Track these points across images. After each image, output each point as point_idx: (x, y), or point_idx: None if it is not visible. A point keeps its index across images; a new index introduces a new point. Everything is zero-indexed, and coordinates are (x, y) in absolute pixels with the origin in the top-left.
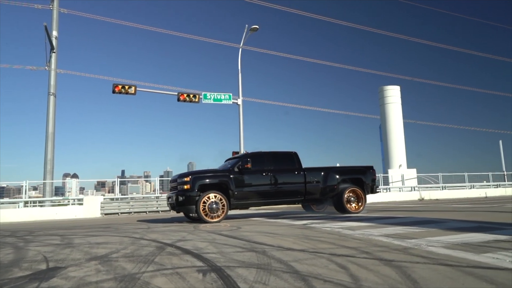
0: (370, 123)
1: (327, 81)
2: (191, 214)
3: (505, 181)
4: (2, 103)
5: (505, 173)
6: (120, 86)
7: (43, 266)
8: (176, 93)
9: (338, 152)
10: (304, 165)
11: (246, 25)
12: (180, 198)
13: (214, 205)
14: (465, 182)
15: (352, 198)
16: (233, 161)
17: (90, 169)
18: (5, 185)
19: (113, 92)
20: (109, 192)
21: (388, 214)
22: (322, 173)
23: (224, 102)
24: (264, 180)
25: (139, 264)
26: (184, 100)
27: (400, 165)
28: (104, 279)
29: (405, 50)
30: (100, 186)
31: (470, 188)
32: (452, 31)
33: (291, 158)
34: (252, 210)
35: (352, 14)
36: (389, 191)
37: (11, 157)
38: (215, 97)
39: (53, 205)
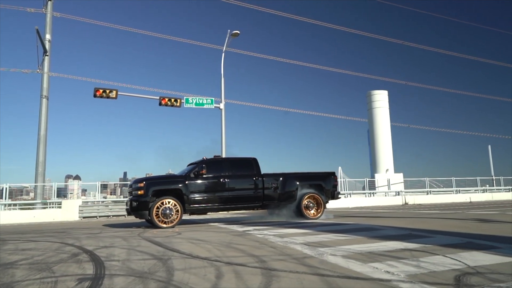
0: (359, 127)
1: (314, 84)
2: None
3: (493, 186)
4: None
5: (493, 178)
6: (101, 90)
7: None
8: (158, 97)
9: (326, 155)
10: (287, 170)
11: (228, 30)
12: (134, 204)
13: (168, 211)
14: (452, 187)
15: (311, 204)
16: (191, 167)
17: (93, 171)
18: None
19: (95, 96)
20: (111, 194)
21: (345, 220)
22: (281, 179)
23: (206, 106)
24: (219, 186)
25: (33, 272)
26: (166, 104)
27: (387, 170)
28: None
29: (394, 53)
30: (103, 188)
31: (456, 193)
32: (440, 33)
33: (249, 164)
34: (214, 215)
35: (340, 16)
36: (374, 195)
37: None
38: (197, 102)
39: (30, 208)
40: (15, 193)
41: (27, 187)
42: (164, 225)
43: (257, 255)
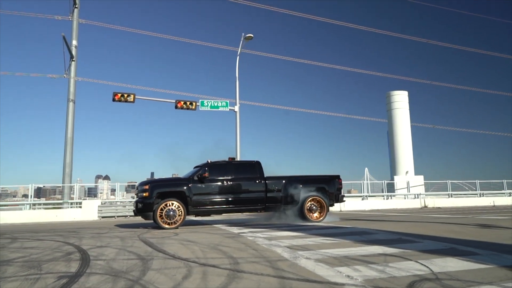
0: (379, 128)
1: (332, 84)
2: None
3: None
4: (26, 109)
5: None
6: (119, 95)
7: None
8: (174, 101)
9: (345, 157)
10: (305, 172)
11: (242, 34)
12: (139, 205)
13: (171, 212)
14: (476, 190)
15: (314, 207)
16: (195, 170)
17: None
18: (42, 186)
19: (113, 100)
20: None
21: (348, 223)
22: (284, 182)
23: (221, 109)
24: (222, 188)
25: (24, 269)
26: (182, 108)
27: (407, 172)
28: None
29: (414, 51)
30: (131, 188)
31: (480, 196)
32: (464, 30)
33: (253, 167)
34: (221, 217)
35: (356, 15)
36: (391, 198)
37: (51, 159)
38: (212, 104)
39: (54, 208)
40: (48, 193)
41: (60, 187)
42: (168, 226)
43: (235, 257)
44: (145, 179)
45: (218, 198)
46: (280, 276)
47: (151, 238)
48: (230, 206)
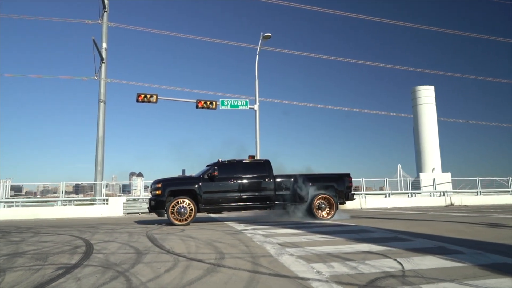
0: (404, 124)
1: (354, 80)
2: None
3: None
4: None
5: None
6: (142, 96)
7: None
8: (195, 101)
9: (369, 154)
10: (326, 170)
11: (261, 33)
12: (153, 203)
13: (182, 209)
14: (509, 187)
15: (323, 205)
16: (206, 168)
17: (157, 168)
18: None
19: (137, 101)
20: None
21: (356, 221)
22: (292, 180)
23: (241, 108)
24: (231, 187)
25: (31, 260)
26: (202, 107)
27: (433, 169)
28: None
29: (439, 43)
30: None
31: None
32: (493, 20)
33: (262, 166)
34: (233, 214)
35: (380, 10)
36: (415, 195)
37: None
38: (232, 103)
39: (83, 204)
40: (85, 189)
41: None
42: (179, 223)
43: (224, 253)
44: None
45: (227, 196)
46: (254, 271)
47: (157, 234)
48: (239, 204)
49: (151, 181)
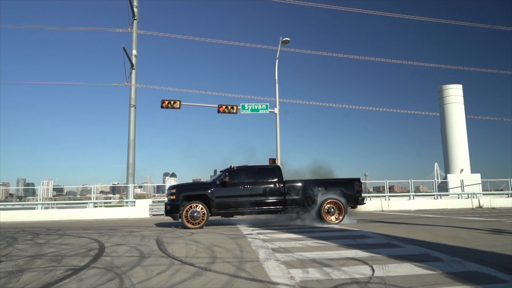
0: (431, 124)
1: (377, 79)
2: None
3: None
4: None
5: None
6: (166, 102)
7: None
8: (216, 105)
9: (394, 155)
10: (349, 172)
11: (280, 38)
12: (168, 207)
13: (195, 214)
14: None
15: (332, 209)
16: (218, 174)
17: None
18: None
19: (161, 107)
20: None
21: (362, 226)
22: (302, 185)
23: (261, 111)
24: (241, 191)
25: (48, 262)
26: (224, 112)
27: (461, 170)
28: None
29: (467, 38)
30: None
31: None
32: None
33: (272, 172)
34: (244, 217)
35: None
36: (440, 197)
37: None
38: (253, 108)
39: (112, 206)
40: (122, 190)
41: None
42: (192, 226)
43: (217, 257)
44: (209, 176)
45: (238, 201)
46: (235, 275)
47: (166, 238)
48: (250, 208)
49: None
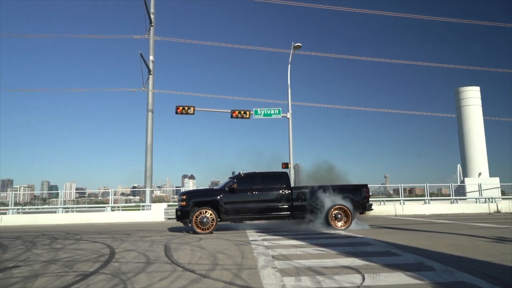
0: (447, 126)
1: (392, 80)
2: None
3: None
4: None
5: None
6: (181, 108)
7: None
8: (230, 111)
9: (410, 158)
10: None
11: (292, 43)
12: (179, 213)
13: (205, 219)
14: None
15: (339, 215)
16: (227, 181)
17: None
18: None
19: (176, 113)
20: None
21: (368, 233)
22: (309, 192)
23: (274, 116)
24: (249, 198)
25: (61, 267)
26: (237, 117)
27: (479, 173)
28: (17, 273)
29: (482, 39)
30: (214, 185)
31: None
32: None
33: (280, 178)
34: (254, 223)
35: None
36: (457, 202)
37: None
38: (265, 112)
39: (129, 210)
40: (142, 192)
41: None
42: (201, 231)
43: (218, 264)
44: (227, 178)
45: (246, 207)
46: (230, 282)
47: (174, 244)
48: (258, 214)
49: (207, 183)
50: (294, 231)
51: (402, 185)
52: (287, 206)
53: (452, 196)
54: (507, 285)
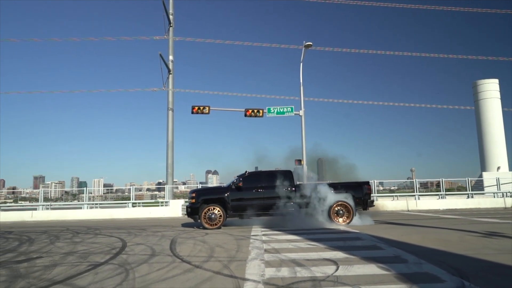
0: (466, 120)
1: (411, 73)
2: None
3: None
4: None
5: None
6: (196, 108)
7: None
8: (243, 110)
9: (427, 153)
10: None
11: (303, 42)
12: (189, 210)
13: (213, 216)
14: None
15: (341, 212)
16: (234, 179)
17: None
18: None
19: (192, 113)
20: None
21: (366, 228)
22: (312, 189)
23: (286, 114)
24: (255, 195)
25: (77, 258)
26: (250, 115)
27: (498, 167)
28: (38, 264)
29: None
30: None
31: None
32: None
33: (284, 176)
34: (261, 218)
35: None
36: (472, 196)
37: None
38: (278, 110)
39: (149, 206)
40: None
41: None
42: (210, 227)
43: (213, 256)
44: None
45: (252, 204)
46: (218, 272)
47: (181, 238)
48: (263, 211)
49: (233, 178)
50: (296, 227)
51: (417, 180)
52: (291, 203)
53: (469, 190)
54: (464, 276)
